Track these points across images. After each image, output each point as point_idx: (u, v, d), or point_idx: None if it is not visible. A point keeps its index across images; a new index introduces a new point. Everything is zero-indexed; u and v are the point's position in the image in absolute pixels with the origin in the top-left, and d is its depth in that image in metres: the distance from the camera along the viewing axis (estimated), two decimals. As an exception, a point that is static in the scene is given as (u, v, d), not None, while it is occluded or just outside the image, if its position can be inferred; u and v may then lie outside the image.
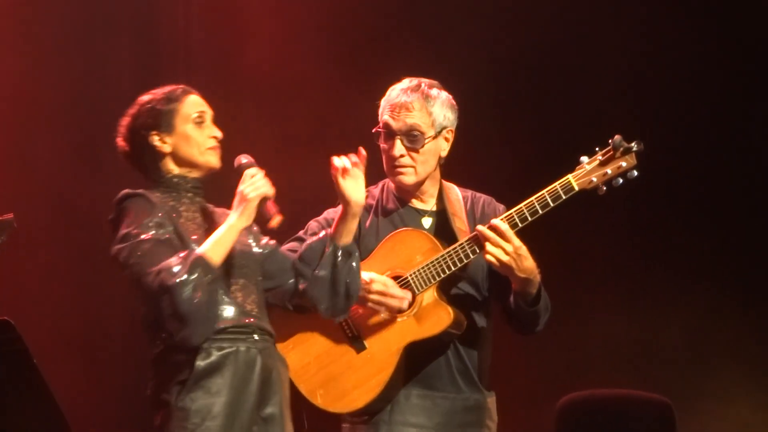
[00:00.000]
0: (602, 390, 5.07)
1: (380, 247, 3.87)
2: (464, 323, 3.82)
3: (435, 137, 3.88)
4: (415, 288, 3.80)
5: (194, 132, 3.57)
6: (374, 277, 3.77)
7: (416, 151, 3.86)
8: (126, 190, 3.49)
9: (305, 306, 3.70)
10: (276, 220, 3.45)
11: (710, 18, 5.48)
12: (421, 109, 3.86)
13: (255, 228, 3.64)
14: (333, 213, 3.84)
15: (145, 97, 3.62)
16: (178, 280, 3.29)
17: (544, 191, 3.74)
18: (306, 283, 3.59)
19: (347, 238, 3.60)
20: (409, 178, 3.88)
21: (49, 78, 5.90)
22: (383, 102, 3.93)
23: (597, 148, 3.75)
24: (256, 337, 3.46)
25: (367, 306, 3.79)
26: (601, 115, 5.35)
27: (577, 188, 3.73)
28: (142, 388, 5.67)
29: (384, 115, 3.90)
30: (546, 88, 5.64)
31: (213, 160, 3.58)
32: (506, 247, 3.70)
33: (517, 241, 3.70)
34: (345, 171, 3.58)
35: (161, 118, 3.56)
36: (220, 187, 3.65)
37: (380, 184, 4.01)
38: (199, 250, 3.37)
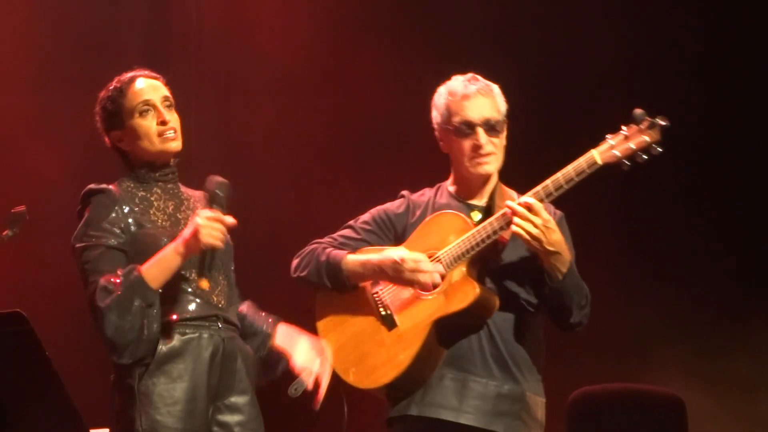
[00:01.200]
0: (614, 384, 5.08)
1: (417, 230, 3.96)
2: (495, 305, 3.86)
3: (505, 123, 3.99)
4: (446, 266, 3.85)
5: (141, 124, 3.58)
6: (405, 255, 3.84)
7: (497, 137, 3.96)
8: (91, 185, 3.55)
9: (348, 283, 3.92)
10: (201, 280, 3.48)
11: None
12: (491, 97, 3.98)
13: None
14: (391, 207, 4.03)
15: (101, 94, 3.65)
16: (106, 304, 3.35)
17: (569, 166, 3.79)
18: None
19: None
20: (492, 166, 3.97)
21: (62, 73, 5.94)
22: (448, 99, 3.99)
23: (621, 125, 3.77)
24: (220, 325, 3.51)
25: (400, 284, 3.87)
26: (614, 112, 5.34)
27: (600, 162, 3.77)
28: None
29: (461, 111, 3.96)
30: (562, 83, 5.64)
31: (170, 146, 3.59)
32: (535, 220, 3.75)
33: (545, 214, 3.75)
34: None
35: (112, 118, 3.61)
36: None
37: (436, 186, 4.11)
38: (142, 269, 3.40)
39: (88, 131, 5.83)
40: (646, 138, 3.73)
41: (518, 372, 3.91)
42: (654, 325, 5.60)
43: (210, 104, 6.00)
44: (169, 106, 3.61)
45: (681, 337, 5.55)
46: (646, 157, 3.74)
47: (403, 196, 4.08)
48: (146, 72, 3.67)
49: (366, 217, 4.08)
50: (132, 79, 3.62)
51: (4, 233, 4.47)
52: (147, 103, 3.57)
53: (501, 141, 3.98)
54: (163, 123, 3.56)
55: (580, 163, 3.77)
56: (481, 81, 4.01)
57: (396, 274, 3.84)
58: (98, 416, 4.83)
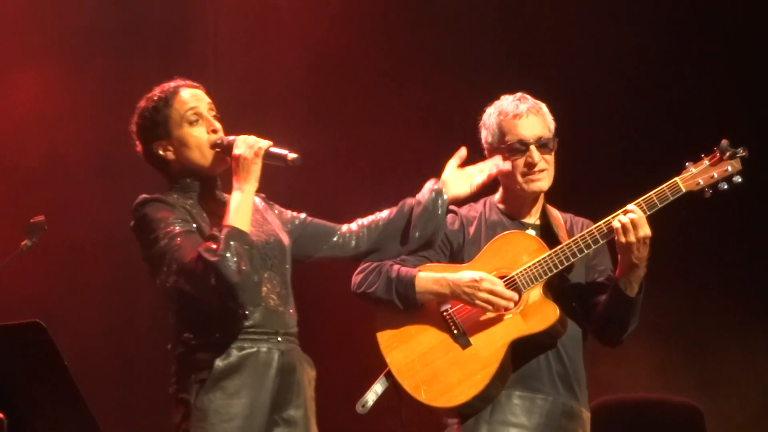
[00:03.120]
0: (632, 394, 5.06)
1: (486, 249, 3.96)
2: (567, 326, 3.90)
3: (556, 140, 4.03)
4: (521, 286, 3.87)
5: (191, 134, 3.52)
6: (483, 276, 3.85)
7: (549, 154, 4.00)
8: (143, 196, 3.47)
9: (409, 295, 3.89)
10: (292, 156, 3.43)
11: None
12: (540, 115, 4.02)
13: (276, 210, 3.68)
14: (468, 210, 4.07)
15: (141, 104, 3.58)
16: (220, 256, 3.28)
17: (651, 193, 3.83)
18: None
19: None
20: (544, 183, 4.00)
21: (80, 90, 5.96)
22: (499, 118, 4.02)
23: (702, 154, 3.83)
24: (279, 338, 3.46)
25: (474, 304, 3.86)
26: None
27: (684, 190, 3.82)
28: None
29: (514, 130, 3.99)
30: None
31: (216, 159, 3.52)
32: (639, 233, 3.77)
33: (647, 229, 3.79)
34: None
35: (156, 128, 3.53)
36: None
37: (482, 200, 4.12)
38: (226, 223, 3.36)
39: (109, 148, 5.92)
40: (729, 168, 3.81)
41: (578, 389, 3.96)
42: (671, 334, 5.57)
43: (226, 111, 5.96)
44: (215, 116, 3.57)
45: (699, 346, 5.52)
46: (726, 186, 3.81)
47: (454, 212, 4.08)
48: (188, 81, 3.61)
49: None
50: (176, 89, 3.56)
51: (23, 243, 4.50)
52: (196, 112, 3.53)
53: (552, 158, 4.01)
54: (214, 131, 3.52)
55: (664, 190, 3.82)
56: (531, 100, 4.05)
57: (471, 295, 3.85)
58: (114, 424, 4.86)
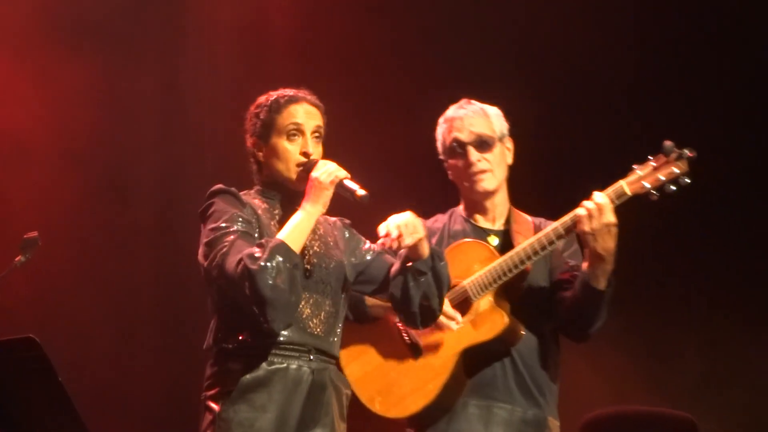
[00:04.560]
0: (626, 407, 5.06)
1: None
2: (520, 334, 3.89)
3: (500, 141, 4.03)
4: (472, 295, 3.88)
5: (285, 147, 3.53)
6: None
7: (489, 152, 3.99)
8: (219, 185, 3.51)
9: (370, 314, 3.89)
10: (361, 192, 3.43)
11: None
12: (482, 117, 4.03)
13: (355, 237, 3.66)
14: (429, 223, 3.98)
15: (261, 99, 3.61)
16: (260, 265, 3.28)
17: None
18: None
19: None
20: (489, 182, 4.01)
21: (75, 104, 5.95)
22: (443, 126, 4.08)
23: (649, 156, 3.79)
24: (311, 357, 3.45)
25: None
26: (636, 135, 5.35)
27: (629, 193, 3.78)
28: (170, 405, 5.75)
29: (451, 133, 4.04)
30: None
31: (299, 178, 3.51)
32: (603, 219, 3.73)
33: (612, 217, 3.74)
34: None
35: (260, 128, 3.56)
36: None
37: (449, 211, 4.14)
38: (278, 236, 3.37)
39: (105, 162, 5.93)
40: (675, 170, 3.75)
41: (540, 397, 3.93)
42: (665, 346, 5.58)
43: (224, 111, 5.93)
44: (317, 137, 3.56)
45: (692, 358, 5.52)
46: (674, 188, 3.76)
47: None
48: (309, 96, 3.60)
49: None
50: (293, 99, 3.56)
51: (17, 259, 4.50)
52: (298, 129, 3.53)
53: (495, 158, 4.00)
54: (305, 155, 3.52)
55: (608, 194, 3.78)
56: (475, 104, 4.08)
57: None
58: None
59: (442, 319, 3.80)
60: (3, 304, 5.35)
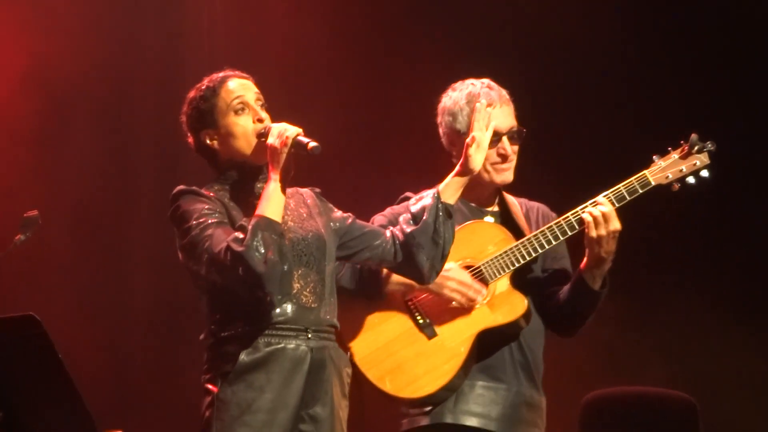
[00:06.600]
0: (626, 387, 5.07)
1: None
2: (531, 317, 3.89)
3: (523, 131, 4.00)
4: (488, 276, 3.86)
5: (237, 123, 3.52)
6: (451, 266, 3.81)
7: (517, 145, 3.97)
8: (179, 187, 3.50)
9: (373, 284, 3.82)
10: (312, 144, 3.39)
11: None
12: (510, 105, 3.98)
13: (326, 207, 3.65)
14: (400, 210, 3.87)
15: (190, 94, 3.60)
16: (246, 245, 3.28)
17: (619, 186, 3.82)
18: (414, 228, 3.57)
19: (452, 198, 3.62)
20: (510, 174, 3.98)
21: (74, 80, 5.95)
22: (465, 102, 3.94)
23: (669, 148, 3.84)
24: (309, 335, 3.45)
25: (442, 294, 3.83)
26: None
27: (653, 183, 3.82)
28: (164, 384, 5.75)
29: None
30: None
31: (257, 150, 3.51)
32: (610, 227, 3.76)
33: (617, 224, 3.77)
34: (477, 143, 3.60)
35: (204, 117, 3.55)
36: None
37: (435, 187, 4.05)
38: (256, 213, 3.36)
39: (103, 141, 5.92)
40: (697, 162, 3.81)
41: (538, 379, 3.96)
42: (665, 327, 5.58)
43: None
44: (262, 105, 3.57)
45: (692, 339, 5.53)
46: (694, 181, 3.80)
47: (407, 198, 3.97)
48: (236, 72, 3.61)
49: (381, 220, 3.96)
50: (224, 79, 3.56)
51: (17, 237, 4.50)
52: (242, 101, 3.53)
53: (517, 151, 3.98)
54: (260, 121, 3.51)
55: (633, 183, 3.81)
56: (497, 88, 3.99)
57: (439, 285, 3.80)
58: (110, 417, 4.86)
59: (467, 291, 3.79)
60: (3, 282, 5.36)
